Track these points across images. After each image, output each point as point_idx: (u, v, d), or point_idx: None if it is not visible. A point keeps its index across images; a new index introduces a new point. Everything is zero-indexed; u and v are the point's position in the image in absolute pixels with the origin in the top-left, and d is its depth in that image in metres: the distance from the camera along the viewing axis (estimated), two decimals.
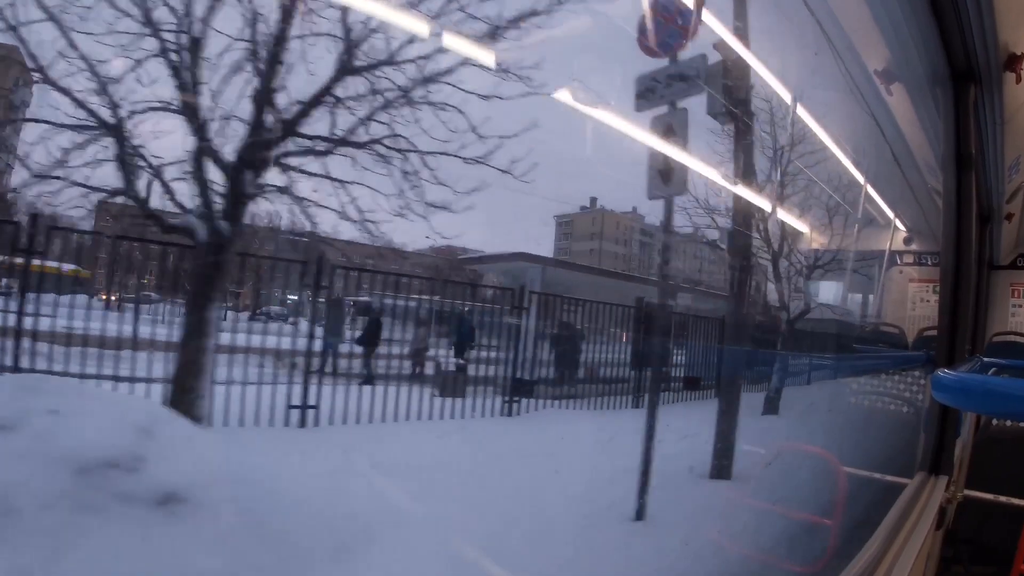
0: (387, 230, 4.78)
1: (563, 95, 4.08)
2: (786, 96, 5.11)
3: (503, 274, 8.89)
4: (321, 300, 5.71)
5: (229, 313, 6.02)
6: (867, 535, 2.22)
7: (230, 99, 4.09)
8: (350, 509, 3.45)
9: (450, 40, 4.31)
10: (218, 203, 4.03)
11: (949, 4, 2.68)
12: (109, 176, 3.97)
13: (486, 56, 4.49)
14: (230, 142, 4.07)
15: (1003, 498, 2.66)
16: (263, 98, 4.15)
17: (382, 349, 6.74)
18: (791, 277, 9.38)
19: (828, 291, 10.28)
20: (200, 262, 4.07)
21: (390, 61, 4.52)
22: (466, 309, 7.65)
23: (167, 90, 4.02)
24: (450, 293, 7.53)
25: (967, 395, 1.53)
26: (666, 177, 4.91)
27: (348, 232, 4.77)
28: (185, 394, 3.94)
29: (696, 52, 4.76)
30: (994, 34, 3.01)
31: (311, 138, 4.41)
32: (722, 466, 5.88)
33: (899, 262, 9.04)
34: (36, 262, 4.17)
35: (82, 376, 4.15)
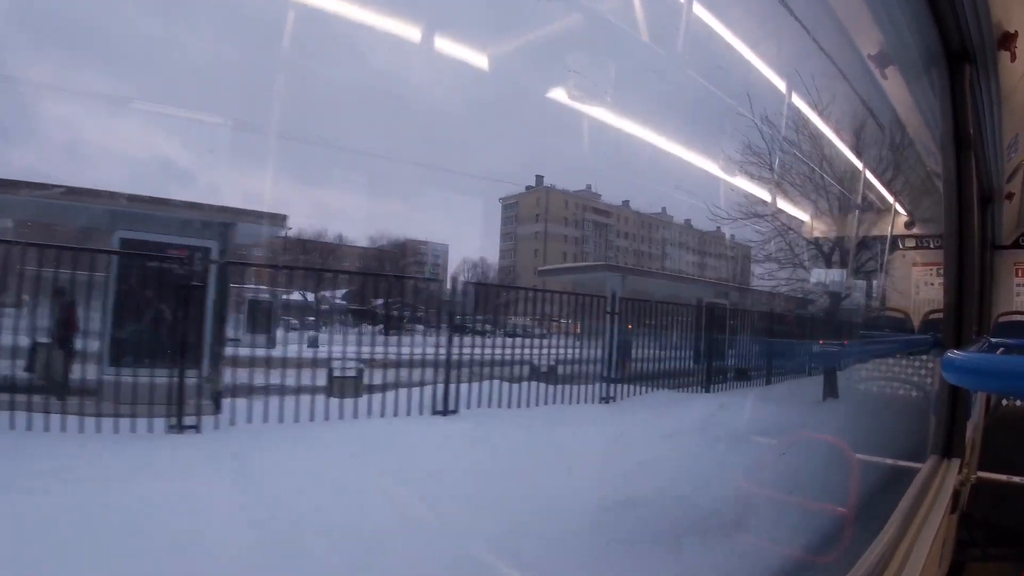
0: None
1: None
2: (780, 84, 5.10)
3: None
4: None
5: None
6: (882, 522, 2.21)
7: None
8: None
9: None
10: None
11: None
12: None
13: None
14: None
15: (1016, 478, 2.65)
16: None
17: None
18: None
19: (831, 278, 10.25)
20: None
21: None
22: None
23: None
24: None
25: (978, 375, 1.51)
26: None
27: None
28: None
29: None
30: (987, 12, 3.00)
31: None
32: None
33: (901, 247, 9.01)
34: None
35: None
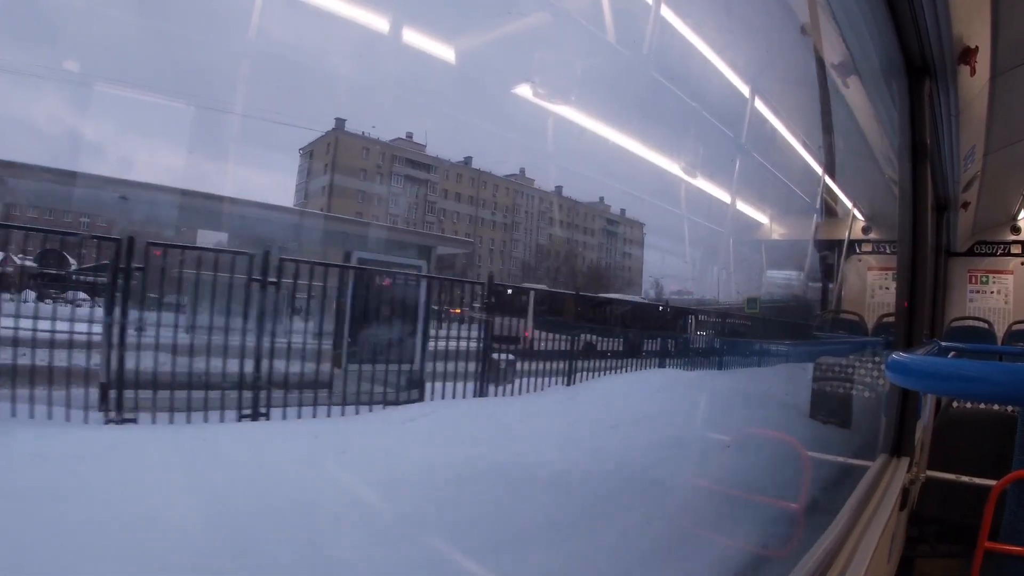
0: None
1: None
2: (744, 89, 5.16)
3: None
4: None
5: None
6: (832, 517, 2.27)
7: None
8: None
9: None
10: None
11: None
12: None
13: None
14: None
15: (965, 478, 2.72)
16: None
17: None
18: None
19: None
20: None
21: None
22: None
23: None
24: None
25: (919, 376, 1.57)
26: None
27: None
28: None
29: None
30: (948, 28, 3.09)
31: None
32: None
33: (858, 251, 9.17)
34: None
35: None
